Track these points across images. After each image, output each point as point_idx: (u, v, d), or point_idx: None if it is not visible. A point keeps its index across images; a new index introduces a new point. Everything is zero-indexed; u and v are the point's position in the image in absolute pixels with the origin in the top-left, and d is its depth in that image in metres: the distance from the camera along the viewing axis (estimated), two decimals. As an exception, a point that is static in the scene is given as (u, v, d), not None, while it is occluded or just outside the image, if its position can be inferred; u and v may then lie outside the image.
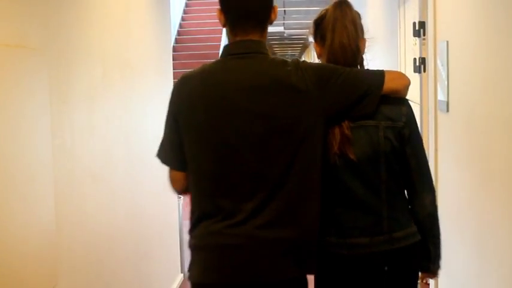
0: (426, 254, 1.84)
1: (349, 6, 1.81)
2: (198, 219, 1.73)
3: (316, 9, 10.64)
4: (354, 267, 1.76)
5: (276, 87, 1.67)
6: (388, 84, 1.75)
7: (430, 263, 1.85)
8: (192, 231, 1.76)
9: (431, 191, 1.84)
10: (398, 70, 4.20)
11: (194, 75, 1.75)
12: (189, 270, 1.79)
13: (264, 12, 1.74)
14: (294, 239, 1.69)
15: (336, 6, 1.81)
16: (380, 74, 1.76)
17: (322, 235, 1.74)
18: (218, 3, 1.80)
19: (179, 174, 1.79)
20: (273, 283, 1.70)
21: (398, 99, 1.79)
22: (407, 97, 1.83)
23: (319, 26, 1.85)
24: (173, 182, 1.84)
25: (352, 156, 1.72)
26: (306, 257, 1.72)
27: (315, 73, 1.70)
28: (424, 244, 1.82)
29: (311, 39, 2.20)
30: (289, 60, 1.74)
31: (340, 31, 1.77)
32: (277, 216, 1.67)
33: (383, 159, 1.75)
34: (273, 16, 1.76)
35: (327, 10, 1.86)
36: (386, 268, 1.76)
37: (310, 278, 1.79)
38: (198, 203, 1.75)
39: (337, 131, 1.72)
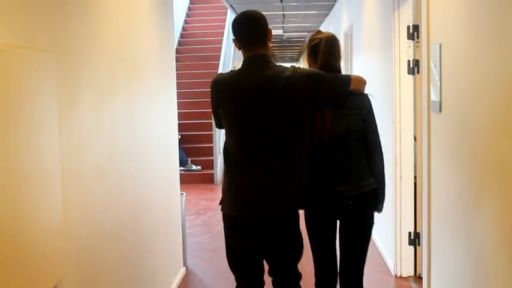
0: (377, 198, 2.68)
1: (336, 39, 2.69)
2: (229, 169, 2.54)
3: (313, 13, 10.63)
4: (336, 205, 2.62)
5: (281, 85, 2.42)
6: (353, 85, 2.60)
7: (379, 204, 2.70)
8: (224, 178, 2.56)
9: (381, 154, 2.68)
10: (392, 71, 4.21)
11: (226, 78, 2.54)
12: (221, 204, 2.59)
13: (262, 36, 2.51)
14: (291, 188, 2.47)
15: (327, 39, 2.65)
16: (348, 79, 2.62)
17: (318, 185, 2.57)
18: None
19: None
20: (278, 215, 2.50)
21: (362, 94, 2.67)
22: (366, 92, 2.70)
23: (315, 49, 2.67)
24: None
25: (327, 136, 2.54)
26: (298, 199, 2.52)
27: (308, 76, 2.48)
28: (376, 192, 2.66)
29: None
30: (288, 67, 2.50)
31: (330, 56, 2.63)
32: (279, 173, 2.45)
33: (353, 135, 2.59)
34: (270, 36, 2.53)
35: (321, 39, 2.66)
36: (350, 202, 2.59)
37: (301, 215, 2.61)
38: (229, 159, 2.53)
39: (320, 115, 2.53)
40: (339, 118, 2.56)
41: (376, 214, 2.74)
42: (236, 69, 2.54)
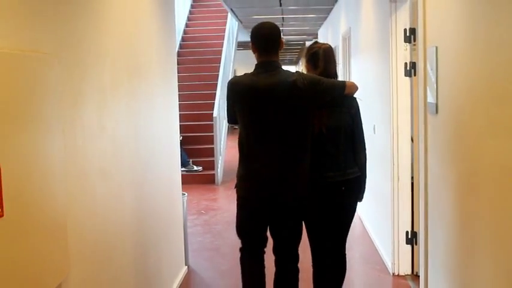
0: (359, 186, 3.06)
1: (331, 49, 3.13)
2: (243, 159, 2.93)
3: (312, 17, 10.61)
4: (328, 188, 2.97)
5: (288, 88, 2.83)
6: (347, 89, 2.99)
7: (360, 193, 3.10)
8: (239, 166, 2.96)
9: (364, 149, 3.08)
10: (389, 74, 4.22)
11: (241, 79, 2.94)
12: (236, 188, 2.99)
13: (276, 44, 2.93)
14: (298, 178, 2.86)
15: (325, 49, 3.08)
16: (343, 84, 3.00)
17: (316, 172, 2.92)
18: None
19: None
20: (288, 200, 2.91)
21: (352, 97, 3.05)
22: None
23: (313, 57, 3.07)
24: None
25: (324, 129, 2.92)
26: (303, 188, 2.89)
27: (310, 80, 2.89)
28: (359, 180, 3.03)
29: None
30: (294, 72, 2.93)
31: (328, 64, 3.06)
32: (287, 163, 2.85)
33: (343, 130, 2.98)
34: (281, 46, 2.94)
35: (319, 48, 3.08)
36: (343, 188, 2.97)
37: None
38: (243, 150, 2.92)
39: (319, 114, 2.92)
40: (333, 115, 2.96)
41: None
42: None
